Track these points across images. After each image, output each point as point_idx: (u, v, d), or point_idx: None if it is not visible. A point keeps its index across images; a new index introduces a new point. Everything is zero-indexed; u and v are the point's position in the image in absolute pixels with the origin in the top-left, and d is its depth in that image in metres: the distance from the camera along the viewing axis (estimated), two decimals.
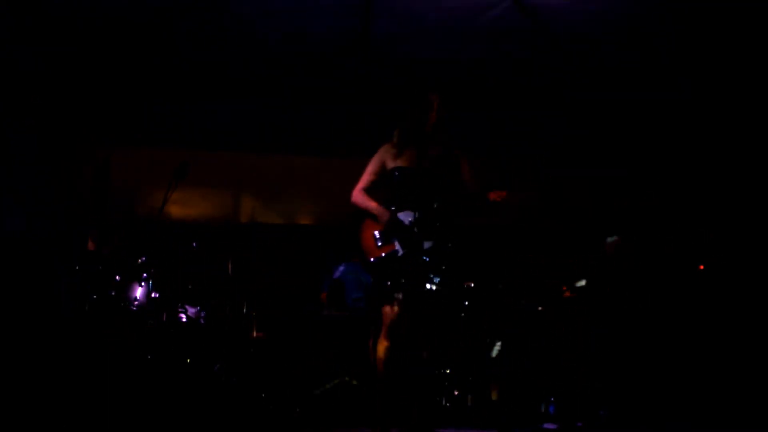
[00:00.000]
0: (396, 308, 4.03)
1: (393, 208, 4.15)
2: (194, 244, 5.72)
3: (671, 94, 6.23)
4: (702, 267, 6.00)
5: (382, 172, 4.26)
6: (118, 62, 5.85)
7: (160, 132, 6.72)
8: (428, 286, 4.01)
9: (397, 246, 4.07)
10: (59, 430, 4.52)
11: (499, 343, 5.55)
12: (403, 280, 3.98)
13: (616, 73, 5.95)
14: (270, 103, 6.62)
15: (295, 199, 7.05)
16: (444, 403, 5.46)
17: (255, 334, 5.72)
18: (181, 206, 6.37)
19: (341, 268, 6.32)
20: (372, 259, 4.09)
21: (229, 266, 5.64)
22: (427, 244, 4.01)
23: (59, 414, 4.59)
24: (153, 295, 5.30)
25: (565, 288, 4.96)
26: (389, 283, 4.02)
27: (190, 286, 5.59)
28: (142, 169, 6.69)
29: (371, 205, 4.21)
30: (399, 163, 4.19)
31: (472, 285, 5.62)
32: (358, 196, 4.28)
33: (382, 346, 4.11)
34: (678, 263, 6.09)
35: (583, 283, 4.52)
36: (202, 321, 5.51)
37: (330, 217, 6.95)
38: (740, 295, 5.83)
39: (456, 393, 5.43)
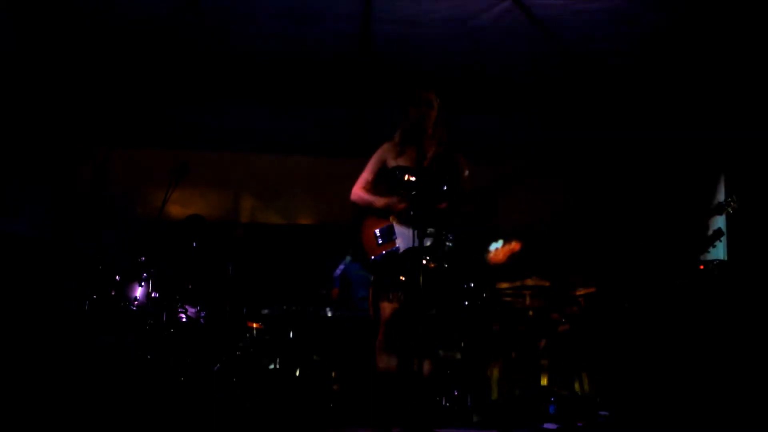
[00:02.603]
0: (396, 307, 4.03)
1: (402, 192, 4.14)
2: (194, 244, 5.72)
3: (671, 94, 6.24)
4: (702, 267, 6.00)
5: (383, 171, 4.26)
6: (118, 62, 5.85)
7: (160, 132, 6.72)
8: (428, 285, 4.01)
9: (398, 243, 4.07)
10: (59, 429, 4.52)
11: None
12: (404, 279, 3.98)
13: (616, 72, 5.95)
14: (270, 104, 6.62)
15: (295, 199, 7.05)
16: (444, 403, 5.45)
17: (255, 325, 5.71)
18: (181, 206, 6.36)
19: (341, 266, 6.32)
20: (373, 258, 4.08)
21: (229, 266, 5.63)
22: (427, 242, 4.00)
23: (59, 413, 4.59)
24: (153, 295, 5.30)
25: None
26: (390, 281, 4.02)
27: (190, 286, 5.59)
28: (142, 169, 6.70)
29: (374, 199, 4.19)
30: (400, 162, 4.19)
31: (473, 285, 5.61)
32: (358, 193, 4.26)
33: (380, 345, 4.10)
34: (677, 263, 6.09)
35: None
36: (202, 321, 5.51)
37: (330, 217, 6.95)
38: (740, 295, 5.83)
39: (456, 393, 5.43)
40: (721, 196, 6.37)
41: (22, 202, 5.93)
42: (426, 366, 3.96)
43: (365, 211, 4.22)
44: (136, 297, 5.29)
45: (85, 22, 5.27)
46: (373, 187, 4.28)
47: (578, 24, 5.20)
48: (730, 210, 5.46)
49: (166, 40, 5.55)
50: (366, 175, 4.28)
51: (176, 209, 6.33)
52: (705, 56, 5.59)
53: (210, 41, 5.62)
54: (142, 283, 5.33)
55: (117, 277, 5.29)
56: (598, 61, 5.76)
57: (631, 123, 6.58)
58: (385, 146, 4.31)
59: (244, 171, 6.99)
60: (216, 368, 5.26)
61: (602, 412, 5.51)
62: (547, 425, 5.35)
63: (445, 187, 4.12)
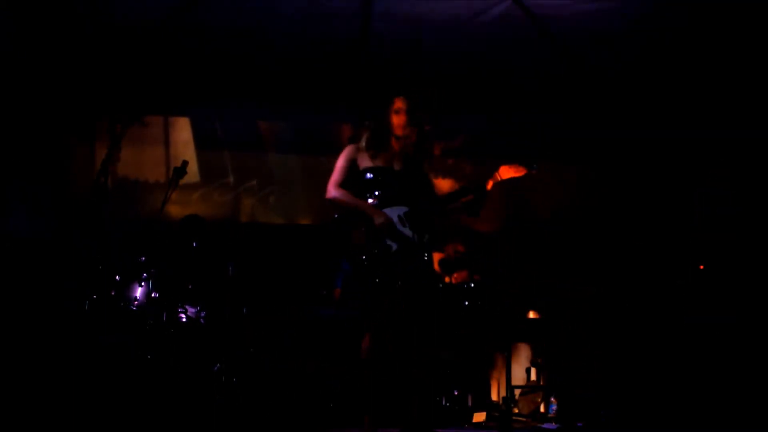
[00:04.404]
0: (385, 305, 4.02)
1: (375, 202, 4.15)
2: (194, 244, 5.72)
3: (671, 94, 6.25)
4: (702, 267, 6.00)
5: (353, 171, 4.23)
6: (118, 62, 5.85)
7: (161, 131, 6.73)
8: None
9: (389, 241, 4.06)
10: (59, 429, 4.52)
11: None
12: (396, 277, 3.98)
13: (617, 72, 5.95)
14: (270, 103, 6.63)
15: (295, 199, 7.06)
16: (444, 403, 5.45)
17: None
18: (181, 206, 6.36)
19: (345, 268, 6.32)
20: (363, 257, 4.07)
21: (229, 266, 5.63)
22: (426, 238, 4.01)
23: (60, 413, 4.59)
24: (153, 295, 5.29)
25: None
26: (380, 279, 4.02)
27: (190, 286, 5.58)
28: (142, 169, 6.70)
29: (358, 202, 4.16)
30: (373, 163, 4.19)
31: (472, 285, 5.61)
32: (337, 191, 4.19)
33: (365, 344, 4.11)
34: (678, 263, 6.09)
35: None
36: (202, 321, 5.51)
37: (330, 217, 6.95)
38: (741, 295, 5.83)
39: (456, 393, 5.43)
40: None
41: (22, 202, 5.92)
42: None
43: (346, 208, 4.18)
44: (136, 297, 5.29)
45: (85, 22, 5.28)
46: (344, 186, 4.24)
47: (578, 24, 5.21)
48: None
49: (166, 40, 5.56)
50: (337, 176, 4.22)
51: (176, 209, 6.33)
52: (705, 56, 5.59)
53: (209, 41, 5.62)
54: (142, 283, 5.33)
55: (117, 277, 5.29)
56: (597, 61, 5.77)
57: (631, 123, 6.59)
58: (353, 147, 4.28)
59: (244, 171, 6.99)
60: (216, 368, 5.25)
61: (602, 412, 5.51)
62: (547, 425, 5.35)
63: (419, 188, 4.16)
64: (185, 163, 5.44)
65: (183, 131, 6.83)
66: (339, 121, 6.92)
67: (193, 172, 6.63)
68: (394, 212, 4.10)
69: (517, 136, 6.78)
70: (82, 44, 5.56)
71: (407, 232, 4.05)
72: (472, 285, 5.59)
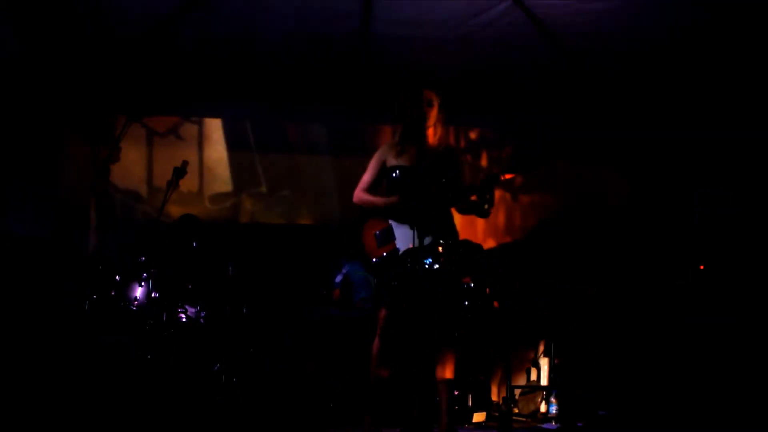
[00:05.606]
0: (392, 311, 4.02)
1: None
2: (194, 244, 5.72)
3: (672, 93, 6.25)
4: (702, 267, 6.00)
5: (383, 171, 4.25)
6: (119, 63, 5.85)
7: (161, 131, 6.73)
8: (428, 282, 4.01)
9: (398, 244, 4.06)
10: (59, 429, 4.52)
11: None
12: (403, 279, 3.98)
13: (617, 72, 5.95)
14: (270, 103, 6.63)
15: (295, 199, 7.05)
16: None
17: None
18: (181, 206, 6.36)
19: (344, 269, 6.33)
20: (374, 260, 4.08)
21: (229, 266, 5.63)
22: (426, 240, 4.00)
23: (60, 413, 4.60)
24: (153, 295, 5.29)
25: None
26: (392, 283, 4.02)
27: (190, 286, 5.59)
28: (142, 169, 6.70)
29: (375, 200, 4.20)
30: (400, 161, 4.18)
31: (472, 285, 5.61)
32: (360, 195, 4.27)
33: (375, 347, 4.11)
34: (678, 263, 6.09)
35: None
36: (202, 321, 5.51)
37: (330, 217, 6.95)
38: (741, 295, 5.83)
39: (456, 393, 5.43)
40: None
41: (22, 201, 5.92)
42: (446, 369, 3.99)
43: (368, 213, 4.22)
44: (136, 297, 5.29)
45: (85, 22, 5.27)
46: (374, 188, 4.28)
47: (578, 24, 5.20)
48: None
49: (166, 41, 5.55)
50: (367, 177, 4.29)
51: (176, 209, 6.32)
52: (706, 56, 5.59)
53: (209, 41, 5.62)
54: (142, 283, 5.33)
55: (117, 277, 5.29)
56: (597, 61, 5.76)
57: (630, 123, 6.59)
58: (385, 146, 4.31)
59: (244, 171, 6.98)
60: (216, 368, 5.26)
61: (602, 412, 5.51)
62: (547, 425, 5.36)
63: (445, 186, 4.12)
64: (185, 163, 5.45)
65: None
66: (339, 120, 6.92)
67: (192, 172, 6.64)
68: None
69: (517, 135, 6.79)
70: (81, 44, 5.55)
71: (414, 234, 4.03)
72: (472, 285, 5.59)
